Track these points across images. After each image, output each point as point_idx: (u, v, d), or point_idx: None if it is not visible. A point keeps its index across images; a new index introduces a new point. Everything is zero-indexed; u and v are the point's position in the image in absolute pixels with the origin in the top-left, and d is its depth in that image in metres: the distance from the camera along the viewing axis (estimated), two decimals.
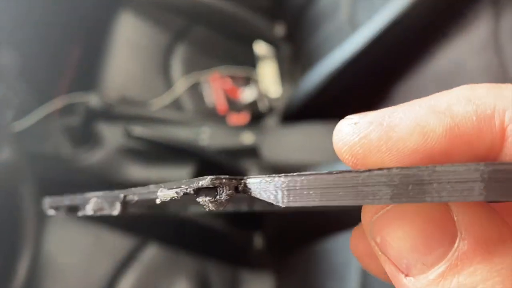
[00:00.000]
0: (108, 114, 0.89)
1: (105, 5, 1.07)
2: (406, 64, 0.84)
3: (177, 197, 0.17)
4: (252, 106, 1.08)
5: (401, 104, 0.16)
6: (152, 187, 0.19)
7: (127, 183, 0.86)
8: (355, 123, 0.16)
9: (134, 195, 0.20)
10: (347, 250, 0.73)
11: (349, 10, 0.94)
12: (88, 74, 1.00)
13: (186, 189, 0.17)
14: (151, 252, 0.85)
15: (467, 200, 0.13)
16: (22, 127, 0.85)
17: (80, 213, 0.23)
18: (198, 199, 0.16)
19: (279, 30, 1.21)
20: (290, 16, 1.16)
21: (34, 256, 0.71)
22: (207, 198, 0.16)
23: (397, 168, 0.13)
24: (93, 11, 1.09)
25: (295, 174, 0.15)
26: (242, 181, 0.16)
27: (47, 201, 0.25)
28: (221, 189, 0.16)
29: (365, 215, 0.17)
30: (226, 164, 0.87)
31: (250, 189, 0.16)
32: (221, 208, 0.16)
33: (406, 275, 0.15)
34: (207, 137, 0.90)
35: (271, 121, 1.05)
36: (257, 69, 1.13)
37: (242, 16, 1.15)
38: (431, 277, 0.15)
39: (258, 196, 0.16)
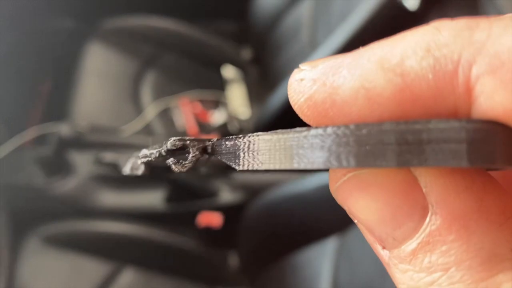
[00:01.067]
0: (79, 142, 0.90)
1: (74, 37, 1.10)
2: None
3: (152, 159, 0.17)
4: (222, 128, 1.11)
5: (350, 54, 0.13)
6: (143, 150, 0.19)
7: (100, 209, 0.88)
8: (301, 79, 0.14)
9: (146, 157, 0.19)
10: (316, 263, 0.75)
11: (309, 31, 0.98)
12: (59, 104, 1.02)
13: (158, 151, 0.17)
14: (128, 276, 0.86)
15: (440, 165, 0.11)
16: None
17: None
18: (167, 161, 0.16)
19: (246, 53, 1.24)
20: (255, 40, 1.20)
21: (8, 285, 0.72)
22: (171, 160, 0.16)
23: (350, 126, 0.12)
24: (62, 43, 1.11)
25: (256, 134, 0.14)
26: (209, 142, 0.16)
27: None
28: (188, 151, 0.16)
29: (331, 181, 0.15)
30: (197, 186, 0.89)
31: (218, 151, 0.16)
32: (184, 170, 0.16)
33: (383, 247, 0.14)
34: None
35: None
36: (226, 92, 1.16)
37: (210, 42, 1.19)
38: (402, 254, 0.13)
39: (224, 159, 0.15)
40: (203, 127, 1.08)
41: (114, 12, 1.13)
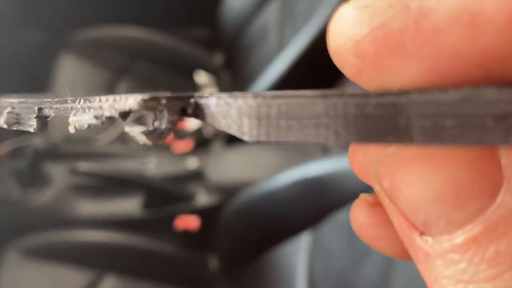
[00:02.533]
0: (54, 154, 0.91)
1: (46, 49, 1.11)
2: (334, 76, 0.91)
3: (97, 123, 0.13)
4: (197, 133, 1.12)
5: None
6: (70, 101, 0.14)
7: (78, 219, 0.89)
8: (365, 6, 0.11)
9: (51, 109, 0.15)
10: (292, 258, 0.77)
11: (277, 34, 1.00)
12: None
13: (108, 112, 0.12)
14: (109, 284, 0.87)
15: None
16: None
17: None
18: (126, 129, 0.12)
19: (218, 59, 1.26)
20: (226, 45, 1.22)
21: None
22: (142, 129, 0.12)
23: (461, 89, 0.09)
24: (35, 55, 1.12)
25: (268, 94, 0.11)
26: (192, 100, 0.12)
27: None
28: (161, 113, 0.12)
29: (370, 150, 0.13)
30: (173, 191, 0.91)
31: (204, 113, 0.12)
32: (162, 141, 0.12)
33: (422, 233, 0.11)
34: (153, 166, 0.93)
35: (216, 146, 1.10)
36: None
37: (181, 49, 1.21)
38: (457, 240, 0.11)
39: (215, 124, 0.12)
40: (178, 132, 1.10)
41: (85, 23, 1.14)
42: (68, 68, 1.07)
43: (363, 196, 0.15)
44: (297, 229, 0.78)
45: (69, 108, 0.14)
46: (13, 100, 0.16)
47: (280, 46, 0.97)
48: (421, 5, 0.10)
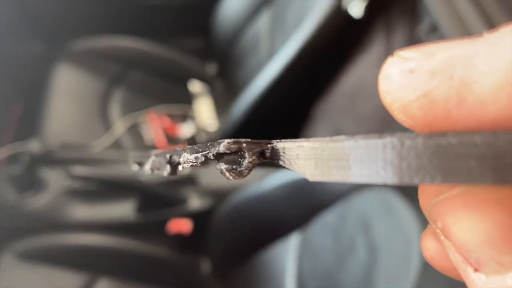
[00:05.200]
0: (50, 159, 0.93)
1: (42, 59, 1.13)
2: (321, 84, 0.94)
3: (197, 163, 0.15)
4: (191, 141, 1.15)
5: (479, 41, 0.11)
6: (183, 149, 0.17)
7: (73, 222, 0.90)
8: (410, 71, 0.11)
9: (179, 156, 0.17)
10: (281, 258, 0.79)
11: (268, 43, 1.03)
12: (30, 124, 1.05)
13: (205, 154, 0.15)
14: (103, 286, 0.88)
15: None
16: None
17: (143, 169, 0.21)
18: (217, 167, 0.14)
19: (211, 68, 1.29)
20: (219, 55, 1.25)
21: None
22: (225, 167, 0.14)
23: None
24: (32, 65, 1.14)
25: (323, 139, 0.12)
26: (269, 145, 0.14)
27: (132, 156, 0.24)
28: (243, 155, 0.14)
29: (422, 194, 0.13)
30: (166, 195, 0.93)
31: (279, 156, 0.14)
32: (241, 178, 0.14)
33: (476, 270, 0.12)
34: None
35: None
36: (193, 105, 1.21)
37: (175, 59, 1.24)
38: (509, 281, 0.11)
39: (286, 165, 0.13)
40: (172, 140, 1.12)
41: (80, 34, 1.17)
42: (65, 77, 1.10)
43: (430, 227, 0.15)
44: (286, 230, 0.80)
45: (182, 154, 0.17)
46: (156, 151, 0.20)
47: (271, 55, 1.00)
48: (464, 76, 0.10)
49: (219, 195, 0.93)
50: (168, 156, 0.18)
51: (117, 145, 1.05)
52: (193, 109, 1.20)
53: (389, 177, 0.11)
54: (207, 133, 1.18)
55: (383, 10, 0.84)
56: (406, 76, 0.11)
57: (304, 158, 0.13)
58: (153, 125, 1.12)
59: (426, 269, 0.54)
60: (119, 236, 0.90)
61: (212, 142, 0.15)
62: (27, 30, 1.16)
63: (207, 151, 0.15)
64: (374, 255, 0.62)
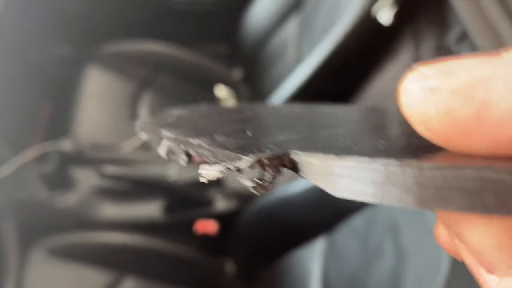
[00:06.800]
0: (80, 159, 0.96)
1: (74, 62, 1.16)
2: (349, 90, 0.94)
3: (220, 176, 0.15)
4: None
5: (499, 62, 0.11)
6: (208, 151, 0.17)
7: (101, 221, 0.92)
8: (431, 89, 0.12)
9: (194, 151, 0.17)
10: (307, 261, 0.80)
11: (295, 48, 1.04)
12: (60, 124, 1.07)
13: (228, 168, 0.15)
14: (129, 285, 0.90)
15: None
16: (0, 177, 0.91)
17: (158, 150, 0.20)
18: (241, 182, 0.15)
19: (237, 73, 1.31)
20: (246, 60, 1.27)
21: None
22: (250, 184, 0.14)
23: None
24: (63, 68, 1.17)
25: (332, 157, 0.12)
26: (287, 157, 0.14)
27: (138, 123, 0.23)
28: (265, 170, 0.14)
29: None
30: (193, 196, 0.94)
31: (298, 167, 0.14)
32: (263, 192, 0.14)
33: (489, 271, 0.12)
34: (175, 173, 0.97)
35: None
36: None
37: (202, 64, 1.25)
38: None
39: (307, 176, 0.14)
40: None
41: (110, 38, 1.20)
42: (95, 79, 1.12)
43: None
44: (312, 234, 0.81)
45: (205, 155, 0.16)
46: (170, 134, 0.19)
47: (298, 60, 1.01)
48: (485, 97, 0.11)
49: (245, 197, 0.94)
50: (183, 147, 0.18)
51: (145, 146, 1.07)
52: None
53: (410, 202, 0.11)
54: None
55: (412, 18, 0.84)
56: (426, 94, 0.11)
57: (317, 173, 0.13)
58: None
59: (455, 273, 0.55)
60: (146, 236, 0.92)
61: (230, 154, 0.15)
62: (59, 34, 1.20)
63: (230, 165, 0.15)
64: (402, 259, 0.63)
